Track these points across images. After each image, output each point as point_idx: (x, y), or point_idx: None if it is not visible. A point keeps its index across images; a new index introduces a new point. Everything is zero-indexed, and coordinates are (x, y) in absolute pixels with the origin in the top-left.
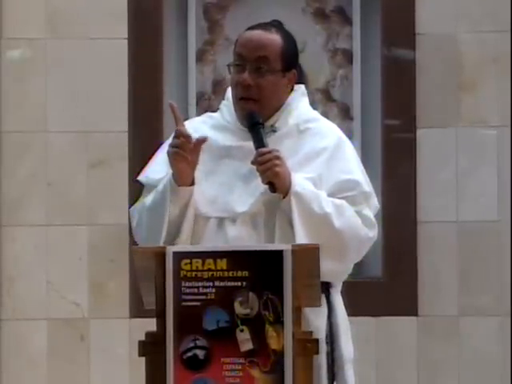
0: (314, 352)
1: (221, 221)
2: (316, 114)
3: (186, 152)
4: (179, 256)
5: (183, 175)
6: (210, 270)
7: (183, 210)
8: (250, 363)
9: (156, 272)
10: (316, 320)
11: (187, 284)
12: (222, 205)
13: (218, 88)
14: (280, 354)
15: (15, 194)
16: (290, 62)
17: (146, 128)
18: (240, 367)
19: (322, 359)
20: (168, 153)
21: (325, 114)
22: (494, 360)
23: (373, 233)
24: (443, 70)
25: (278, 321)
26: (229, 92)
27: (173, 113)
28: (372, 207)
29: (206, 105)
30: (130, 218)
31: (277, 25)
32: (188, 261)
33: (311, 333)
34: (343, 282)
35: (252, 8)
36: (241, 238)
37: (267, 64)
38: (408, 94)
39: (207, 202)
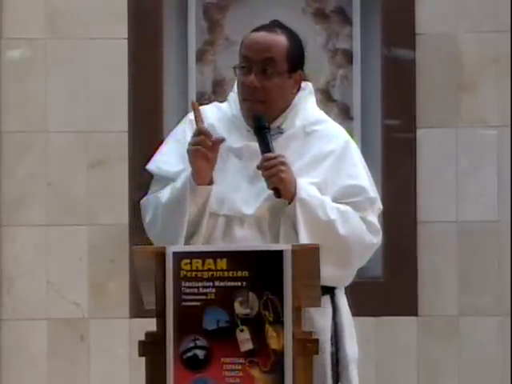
0: (314, 352)
1: (229, 221)
2: (323, 115)
3: (207, 149)
4: (179, 256)
5: (202, 174)
6: (210, 270)
7: (201, 210)
8: (250, 363)
9: (156, 272)
10: (321, 320)
11: (187, 284)
12: (229, 204)
13: (218, 88)
14: (280, 354)
15: (15, 193)
16: (295, 63)
17: (146, 128)
18: (240, 367)
19: (326, 359)
20: (188, 151)
21: None
22: (494, 360)
23: (377, 239)
24: (443, 70)
25: (278, 321)
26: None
27: (194, 111)
28: (375, 211)
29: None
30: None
31: (282, 25)
32: (188, 261)
33: (311, 333)
34: None
35: (252, 8)
36: (247, 240)
37: (273, 66)
38: (408, 94)
39: (216, 200)
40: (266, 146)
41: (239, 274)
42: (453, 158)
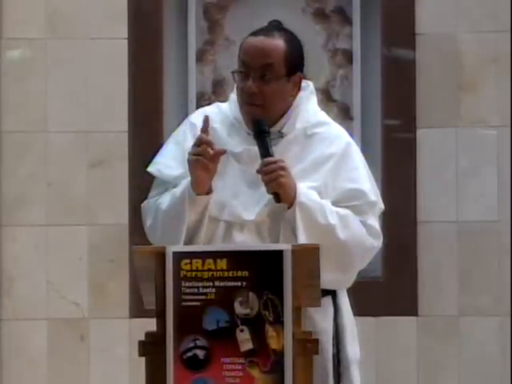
0: (314, 352)
1: (229, 226)
2: (325, 116)
3: (208, 160)
4: (179, 256)
5: (201, 183)
6: (210, 270)
7: (200, 218)
8: (250, 363)
9: (156, 272)
10: (322, 321)
11: (187, 284)
12: (229, 209)
13: (218, 88)
14: (280, 354)
15: (15, 193)
16: (294, 66)
17: (146, 128)
18: (240, 367)
19: (328, 360)
20: (188, 160)
21: None
22: (494, 360)
23: (377, 242)
24: (443, 70)
25: (278, 321)
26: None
27: (204, 123)
28: (376, 214)
29: (206, 105)
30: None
31: (280, 28)
32: (188, 261)
33: (311, 333)
34: None
35: (252, 8)
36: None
37: (271, 71)
38: (408, 94)
39: (216, 205)
40: (265, 150)
41: (239, 273)
42: (453, 158)
